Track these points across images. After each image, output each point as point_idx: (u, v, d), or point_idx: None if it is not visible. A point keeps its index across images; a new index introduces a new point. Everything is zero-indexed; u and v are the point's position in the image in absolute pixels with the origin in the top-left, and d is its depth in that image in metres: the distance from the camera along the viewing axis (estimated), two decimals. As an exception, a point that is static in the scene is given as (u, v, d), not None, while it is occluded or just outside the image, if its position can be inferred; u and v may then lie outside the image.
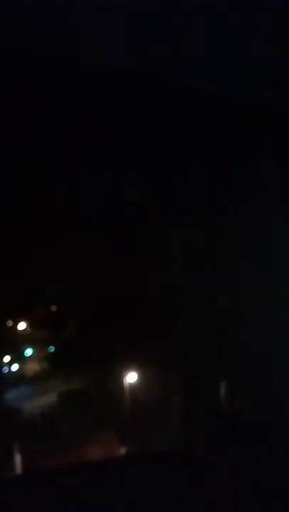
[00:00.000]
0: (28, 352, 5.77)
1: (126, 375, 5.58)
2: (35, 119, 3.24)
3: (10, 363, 5.72)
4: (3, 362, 5.71)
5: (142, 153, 3.74)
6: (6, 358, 5.72)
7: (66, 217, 5.09)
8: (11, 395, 5.51)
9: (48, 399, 5.56)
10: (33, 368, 5.74)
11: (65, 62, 2.85)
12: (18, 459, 5.05)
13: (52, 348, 5.83)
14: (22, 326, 5.86)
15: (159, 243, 5.24)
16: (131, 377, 5.59)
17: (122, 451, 5.17)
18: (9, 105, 3.10)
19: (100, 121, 3.29)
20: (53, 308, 6.02)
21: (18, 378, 5.70)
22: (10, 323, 5.90)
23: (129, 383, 5.57)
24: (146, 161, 3.88)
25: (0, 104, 3.11)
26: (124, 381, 5.58)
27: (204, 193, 4.07)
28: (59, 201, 4.80)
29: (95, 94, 3.10)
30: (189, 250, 4.60)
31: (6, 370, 5.66)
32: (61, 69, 2.89)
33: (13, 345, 5.82)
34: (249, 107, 3.25)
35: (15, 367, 5.68)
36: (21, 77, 2.92)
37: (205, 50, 2.85)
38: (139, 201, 4.70)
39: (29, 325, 5.93)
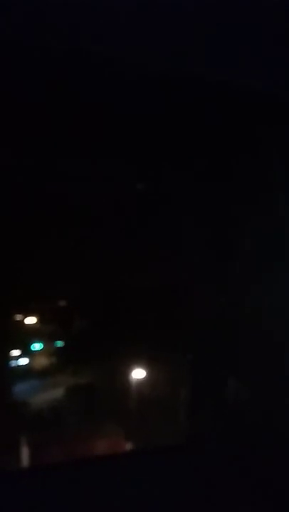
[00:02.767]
0: (36, 346, 5.79)
1: (133, 369, 5.59)
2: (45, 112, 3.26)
3: (18, 357, 5.74)
4: (11, 356, 5.73)
5: (152, 145, 3.74)
6: (15, 352, 5.74)
7: (75, 210, 5.11)
8: (19, 389, 5.54)
9: (55, 393, 5.58)
10: (41, 362, 5.77)
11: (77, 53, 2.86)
12: (25, 451, 5.07)
13: (60, 343, 5.85)
14: (30, 320, 5.89)
15: (169, 237, 5.24)
16: (138, 372, 5.60)
17: (128, 445, 5.18)
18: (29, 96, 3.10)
19: (110, 115, 3.30)
20: (62, 302, 6.04)
21: (26, 372, 5.72)
22: (18, 317, 5.92)
23: (136, 378, 5.58)
24: (154, 153, 3.88)
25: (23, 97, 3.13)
26: (131, 376, 5.59)
27: (215, 186, 4.07)
28: (69, 194, 4.82)
29: (102, 85, 3.11)
30: (199, 244, 4.59)
31: (14, 364, 5.68)
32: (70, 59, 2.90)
33: (21, 339, 5.84)
34: (259, 96, 3.24)
35: (23, 361, 5.71)
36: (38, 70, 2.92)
37: (213, 37, 2.84)
38: (148, 194, 4.72)
39: (37, 319, 5.95)
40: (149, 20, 2.66)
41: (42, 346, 5.83)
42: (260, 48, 2.86)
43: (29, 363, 5.71)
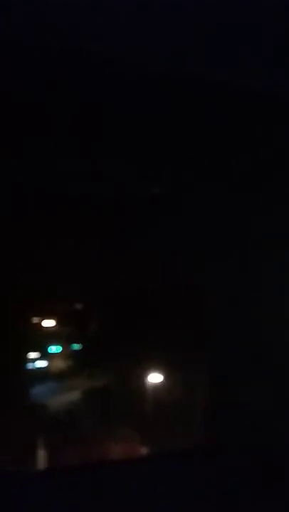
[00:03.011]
0: (53, 349, 5.81)
1: (149, 373, 5.57)
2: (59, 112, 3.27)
3: (36, 360, 5.77)
4: (29, 358, 5.76)
5: (167, 146, 3.74)
6: (32, 355, 5.77)
7: (91, 212, 5.12)
8: (36, 391, 5.56)
9: (71, 396, 5.59)
10: (58, 364, 5.78)
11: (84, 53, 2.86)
12: (41, 453, 5.08)
13: (77, 346, 5.86)
14: (47, 323, 5.91)
15: (186, 238, 5.21)
16: (154, 376, 5.57)
17: (144, 449, 5.15)
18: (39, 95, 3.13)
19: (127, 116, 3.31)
20: (79, 305, 6.05)
21: (43, 375, 5.74)
22: (36, 320, 5.95)
23: (152, 382, 5.55)
24: (169, 154, 3.87)
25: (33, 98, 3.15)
26: (147, 379, 5.56)
27: (235, 187, 4.04)
28: (85, 196, 4.84)
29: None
30: (217, 246, 4.56)
31: (31, 366, 5.71)
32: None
33: (38, 342, 5.87)
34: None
35: (40, 363, 5.73)
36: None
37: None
38: (165, 195, 4.70)
39: (54, 322, 5.97)
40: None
41: (59, 349, 5.85)
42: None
43: (46, 365, 5.73)
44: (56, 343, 5.87)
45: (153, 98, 3.07)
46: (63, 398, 5.58)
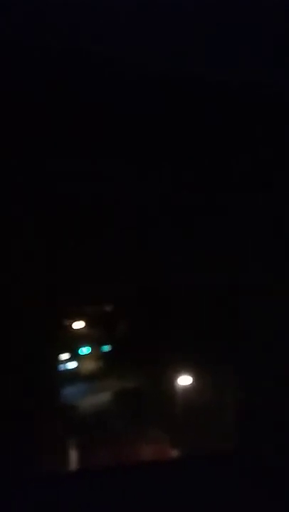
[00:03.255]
0: (84, 350, 5.87)
1: (179, 375, 5.55)
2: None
3: (66, 361, 5.84)
4: (61, 360, 5.84)
5: (190, 147, 3.73)
6: (63, 356, 5.85)
7: (121, 215, 5.15)
8: (68, 392, 5.62)
9: (102, 397, 5.62)
10: (88, 366, 5.84)
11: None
12: (72, 454, 5.13)
13: (107, 347, 5.90)
14: (78, 324, 5.98)
15: (219, 242, 5.17)
16: (184, 378, 5.55)
17: (174, 452, 5.14)
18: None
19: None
20: (108, 307, 6.10)
21: (74, 376, 5.81)
22: (66, 321, 6.03)
23: (183, 384, 5.54)
24: (191, 154, 3.86)
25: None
26: (177, 382, 5.55)
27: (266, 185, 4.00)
28: (111, 197, 4.87)
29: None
30: (251, 247, 4.52)
31: (62, 367, 5.79)
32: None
33: (69, 343, 5.94)
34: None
35: (71, 365, 5.80)
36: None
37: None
38: (195, 196, 4.68)
39: (85, 324, 6.03)
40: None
41: (89, 350, 5.90)
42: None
43: (77, 367, 5.79)
44: (87, 345, 5.92)
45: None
46: (94, 399, 5.62)
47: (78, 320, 5.93)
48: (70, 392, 5.64)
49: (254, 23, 2.61)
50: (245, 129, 3.38)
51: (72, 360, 5.85)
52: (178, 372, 5.54)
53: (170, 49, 2.79)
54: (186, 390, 5.51)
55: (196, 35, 2.72)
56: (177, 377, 5.54)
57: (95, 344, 5.93)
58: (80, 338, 5.91)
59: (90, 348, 5.95)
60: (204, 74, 2.91)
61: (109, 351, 5.94)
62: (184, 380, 5.54)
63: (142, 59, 2.82)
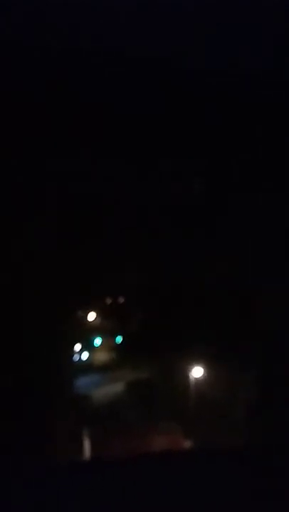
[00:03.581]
0: (97, 342, 5.92)
1: (192, 368, 5.57)
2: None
3: (80, 352, 5.89)
4: (74, 351, 5.89)
5: (211, 143, 3.70)
6: (77, 347, 5.89)
7: (135, 208, 5.13)
8: (81, 383, 5.68)
9: (115, 387, 5.67)
10: (102, 357, 5.88)
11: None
12: (86, 444, 5.21)
13: (120, 339, 5.94)
14: (92, 316, 6.02)
15: (235, 233, 5.13)
16: (197, 371, 5.57)
17: (186, 443, 5.17)
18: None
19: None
20: (121, 299, 6.12)
21: (87, 367, 5.86)
22: (80, 313, 6.07)
23: (195, 377, 5.55)
24: (215, 151, 3.83)
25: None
26: (190, 374, 5.57)
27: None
28: (127, 192, 4.85)
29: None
30: (267, 241, 4.49)
31: (76, 358, 5.84)
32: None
33: (83, 335, 5.98)
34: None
35: (85, 356, 5.85)
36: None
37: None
38: (211, 192, 4.64)
39: (98, 316, 6.07)
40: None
41: (102, 341, 5.95)
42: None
43: (90, 357, 5.85)
44: (99, 336, 5.97)
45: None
46: (107, 390, 5.67)
47: (91, 312, 5.98)
48: (83, 382, 5.70)
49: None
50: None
51: (85, 351, 5.91)
52: (191, 364, 5.56)
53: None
54: (199, 381, 5.53)
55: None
56: (190, 368, 5.56)
57: (108, 335, 5.98)
58: (92, 329, 5.95)
59: (102, 339, 6.00)
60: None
61: (122, 342, 5.99)
62: (197, 372, 5.55)
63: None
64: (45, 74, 3.01)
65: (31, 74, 3.00)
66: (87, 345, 5.92)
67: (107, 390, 5.62)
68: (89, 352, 5.88)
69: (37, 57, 2.88)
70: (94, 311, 6.01)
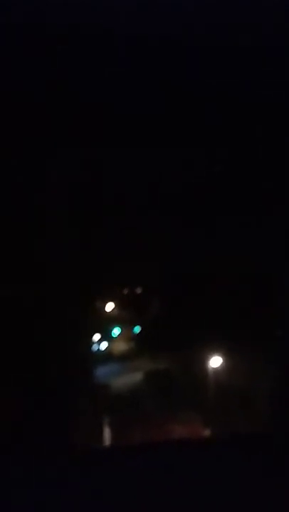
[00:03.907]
0: (116, 332, 5.96)
1: (211, 357, 5.57)
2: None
3: (99, 342, 5.94)
4: (93, 341, 5.94)
5: (228, 131, 3.68)
6: (96, 337, 5.94)
7: (150, 198, 5.12)
8: (100, 372, 5.72)
9: (134, 377, 5.71)
10: (120, 347, 5.92)
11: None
12: (106, 432, 5.26)
13: (138, 329, 5.97)
14: (110, 307, 6.05)
15: (250, 222, 5.10)
16: (216, 360, 5.58)
17: (205, 432, 5.19)
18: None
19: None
20: (139, 290, 6.14)
21: (106, 356, 5.90)
22: (99, 304, 6.10)
23: (214, 366, 5.56)
24: (230, 138, 3.81)
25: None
26: (209, 363, 5.57)
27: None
28: (143, 181, 4.84)
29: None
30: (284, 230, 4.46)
31: (95, 348, 5.89)
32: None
33: (101, 325, 6.02)
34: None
35: (103, 345, 5.89)
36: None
37: None
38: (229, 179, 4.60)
39: (116, 306, 6.10)
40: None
41: (121, 332, 5.99)
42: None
43: (108, 347, 5.89)
44: (118, 326, 6.01)
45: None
46: (126, 379, 5.71)
47: (110, 302, 6.01)
48: (102, 372, 5.75)
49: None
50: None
51: (104, 341, 5.95)
52: (210, 354, 5.56)
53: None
54: (217, 371, 5.54)
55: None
56: (208, 358, 5.57)
57: (126, 326, 6.01)
58: (111, 319, 5.99)
59: (120, 330, 6.03)
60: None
61: (140, 332, 6.02)
62: (215, 361, 5.56)
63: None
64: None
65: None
66: (106, 336, 5.97)
67: (126, 379, 5.67)
68: (108, 342, 5.92)
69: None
70: (112, 301, 6.04)
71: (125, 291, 6.14)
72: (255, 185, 4.58)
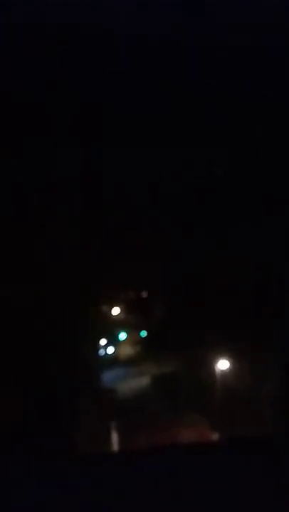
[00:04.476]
0: (122, 336, 5.96)
1: (217, 361, 5.55)
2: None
3: (106, 346, 5.94)
4: (100, 345, 5.94)
5: (228, 132, 3.70)
6: (103, 342, 5.94)
7: (150, 198, 5.13)
8: (107, 376, 5.72)
9: (140, 381, 5.70)
10: (127, 351, 5.92)
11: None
12: (113, 436, 5.25)
13: (144, 333, 5.96)
14: (116, 311, 6.06)
15: (254, 227, 5.09)
16: (222, 363, 5.55)
17: (212, 436, 5.16)
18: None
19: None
20: (145, 294, 6.15)
21: (113, 361, 5.90)
22: (105, 308, 6.11)
23: (220, 369, 5.54)
24: (233, 139, 3.83)
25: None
26: (215, 367, 5.55)
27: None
28: (147, 184, 4.86)
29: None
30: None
31: (102, 352, 5.89)
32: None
33: (108, 329, 6.03)
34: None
35: (110, 350, 5.89)
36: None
37: None
38: (231, 181, 4.61)
39: (123, 310, 6.10)
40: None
41: (127, 336, 5.99)
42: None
43: (115, 352, 5.90)
44: (124, 330, 6.01)
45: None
46: (132, 383, 5.71)
47: (116, 306, 6.02)
48: (108, 376, 5.75)
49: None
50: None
51: (111, 346, 5.96)
52: (216, 357, 5.54)
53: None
54: (224, 374, 5.51)
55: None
56: (215, 361, 5.55)
57: (133, 330, 6.01)
58: (117, 324, 6.00)
59: (126, 334, 6.04)
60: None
61: (147, 336, 6.01)
62: (222, 365, 5.53)
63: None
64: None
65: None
66: (113, 340, 5.97)
67: (133, 383, 5.66)
68: (114, 346, 5.92)
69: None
70: (118, 305, 6.05)
71: (131, 296, 6.15)
72: (256, 186, 4.58)
